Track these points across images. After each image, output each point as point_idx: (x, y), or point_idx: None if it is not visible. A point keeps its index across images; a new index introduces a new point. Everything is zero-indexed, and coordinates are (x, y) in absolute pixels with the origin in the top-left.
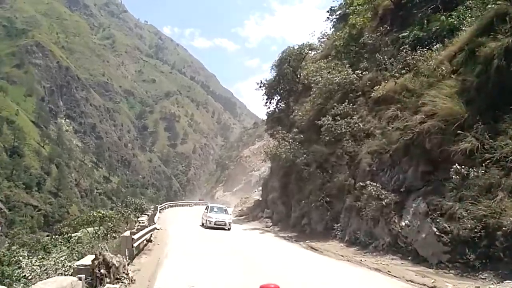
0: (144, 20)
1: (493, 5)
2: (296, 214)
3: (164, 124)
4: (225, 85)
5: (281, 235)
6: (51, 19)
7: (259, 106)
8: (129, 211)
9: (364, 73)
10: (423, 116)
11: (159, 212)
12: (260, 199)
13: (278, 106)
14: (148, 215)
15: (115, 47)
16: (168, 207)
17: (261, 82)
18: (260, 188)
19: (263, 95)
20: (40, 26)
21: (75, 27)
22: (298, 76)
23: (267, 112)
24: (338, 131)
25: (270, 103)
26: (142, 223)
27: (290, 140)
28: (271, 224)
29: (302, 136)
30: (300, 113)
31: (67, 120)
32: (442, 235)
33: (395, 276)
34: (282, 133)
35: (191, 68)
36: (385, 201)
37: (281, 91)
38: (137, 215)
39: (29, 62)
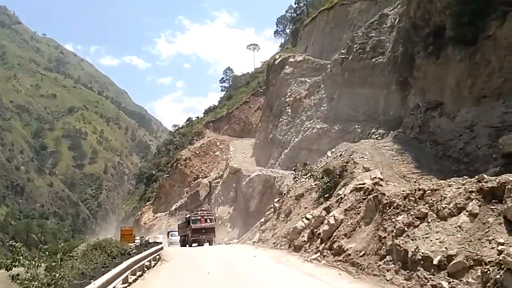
0: (42, 33)
1: None
2: None
3: (68, 142)
4: (138, 102)
5: None
6: None
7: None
8: None
9: None
10: None
11: None
12: None
13: None
14: None
15: (5, 59)
16: None
17: None
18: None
19: None
20: None
21: None
22: None
23: None
24: None
25: None
26: None
27: None
28: None
29: None
30: None
31: None
32: None
33: None
34: None
35: (99, 84)
36: None
37: None
38: None
39: None
